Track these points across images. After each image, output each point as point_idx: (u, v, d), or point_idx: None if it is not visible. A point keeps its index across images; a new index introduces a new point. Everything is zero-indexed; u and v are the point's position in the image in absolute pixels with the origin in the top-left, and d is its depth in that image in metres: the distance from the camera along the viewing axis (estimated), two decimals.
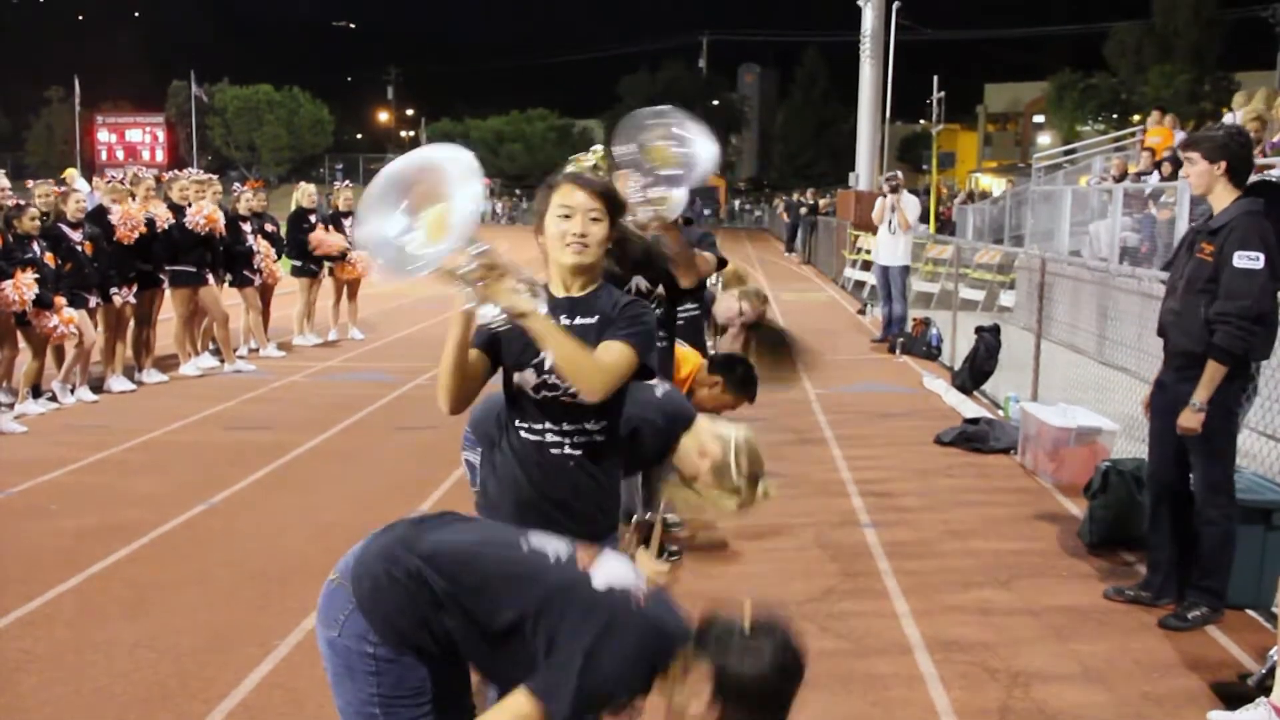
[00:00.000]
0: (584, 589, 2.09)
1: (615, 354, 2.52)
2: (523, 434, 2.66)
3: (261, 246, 10.84)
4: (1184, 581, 4.49)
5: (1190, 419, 4.25)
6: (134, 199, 9.35)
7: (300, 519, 5.80)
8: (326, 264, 12.03)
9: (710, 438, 3.06)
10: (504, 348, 2.59)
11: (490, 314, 2.33)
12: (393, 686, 2.14)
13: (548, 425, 2.64)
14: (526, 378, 2.59)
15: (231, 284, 10.66)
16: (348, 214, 12.08)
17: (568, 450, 2.65)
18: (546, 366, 2.55)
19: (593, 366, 2.47)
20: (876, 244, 13.07)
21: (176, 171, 10.75)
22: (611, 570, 2.16)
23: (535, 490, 2.63)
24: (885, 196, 12.67)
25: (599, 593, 2.08)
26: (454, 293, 2.32)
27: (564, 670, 2.00)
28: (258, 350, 11.19)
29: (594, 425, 2.66)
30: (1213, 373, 4.19)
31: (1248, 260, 4.13)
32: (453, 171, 2.27)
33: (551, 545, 2.23)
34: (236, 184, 12.26)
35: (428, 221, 2.26)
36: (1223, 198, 4.31)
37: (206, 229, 9.69)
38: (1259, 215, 4.22)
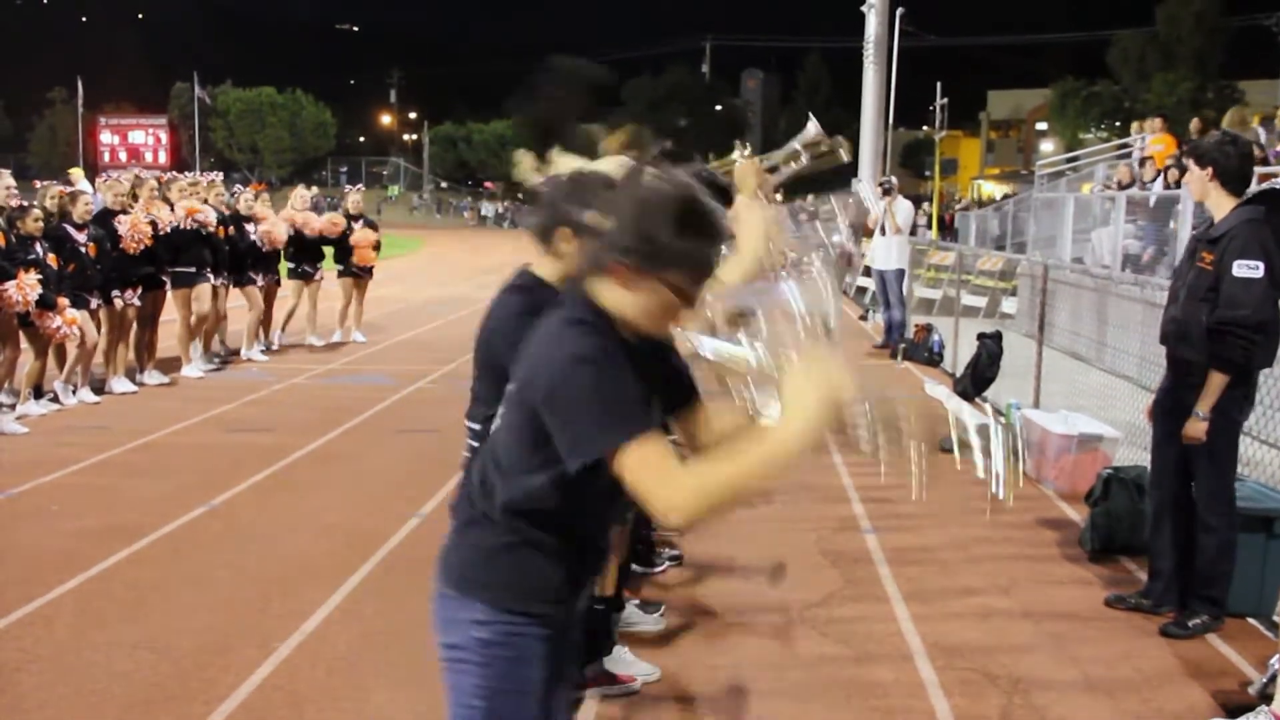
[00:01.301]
0: None
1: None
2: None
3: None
4: (1185, 589, 4.48)
5: (1194, 428, 4.25)
6: (136, 200, 9.37)
7: (301, 521, 5.81)
8: (336, 266, 12.06)
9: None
10: None
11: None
12: (497, 678, 2.07)
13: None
14: None
15: (235, 284, 10.70)
16: (358, 217, 12.11)
17: None
18: None
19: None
20: (871, 249, 13.14)
21: (175, 174, 10.79)
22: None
23: None
24: (879, 201, 12.80)
25: None
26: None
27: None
28: (254, 355, 11.18)
29: None
30: (1215, 382, 4.19)
31: (1247, 269, 4.13)
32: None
33: None
34: (239, 185, 12.31)
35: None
36: (1220, 204, 4.32)
37: (189, 222, 9.64)
38: (1259, 223, 4.23)
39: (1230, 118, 12.46)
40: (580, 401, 1.88)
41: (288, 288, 11.92)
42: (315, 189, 12.91)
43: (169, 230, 9.42)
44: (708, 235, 1.96)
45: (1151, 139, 14.14)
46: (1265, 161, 10.53)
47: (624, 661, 3.87)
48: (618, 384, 1.90)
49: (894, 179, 13.44)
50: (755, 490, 1.84)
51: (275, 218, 11.10)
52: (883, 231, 12.66)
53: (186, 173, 11.40)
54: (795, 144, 4.06)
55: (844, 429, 1.92)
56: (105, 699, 3.72)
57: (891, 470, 2.00)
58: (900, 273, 12.70)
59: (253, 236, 10.72)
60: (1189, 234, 8.31)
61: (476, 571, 2.09)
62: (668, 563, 5.07)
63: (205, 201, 10.17)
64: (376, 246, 12.29)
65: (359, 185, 14.39)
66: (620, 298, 1.98)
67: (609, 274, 1.97)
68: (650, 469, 1.84)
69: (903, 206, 12.87)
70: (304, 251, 11.67)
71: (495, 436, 2.11)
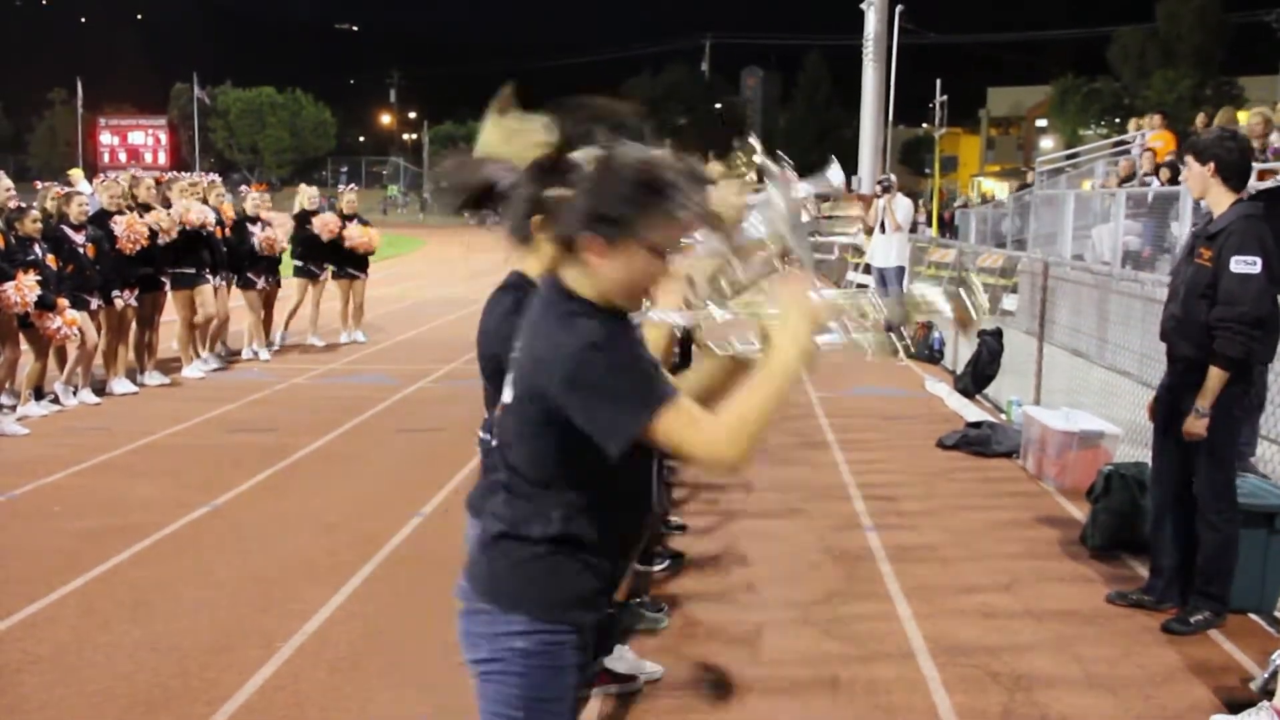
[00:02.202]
0: None
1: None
2: None
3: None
4: (1187, 586, 4.48)
5: (1194, 425, 4.25)
6: (135, 199, 9.37)
7: (303, 521, 5.81)
8: (330, 267, 12.06)
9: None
10: None
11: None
12: (536, 688, 2.08)
13: None
14: None
15: (236, 285, 10.70)
16: (352, 217, 12.11)
17: None
18: None
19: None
20: (871, 246, 13.17)
21: (175, 174, 10.78)
22: None
23: None
24: (879, 198, 12.83)
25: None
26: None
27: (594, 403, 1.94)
28: (258, 354, 11.19)
29: None
30: (1215, 378, 4.19)
31: (1245, 265, 4.13)
32: None
33: None
34: (243, 186, 12.29)
35: None
36: (1220, 200, 4.32)
37: (182, 225, 9.65)
38: (1257, 219, 4.23)
39: (1221, 117, 12.45)
40: (604, 387, 1.91)
41: (291, 287, 11.93)
42: (315, 189, 12.87)
43: (175, 235, 9.42)
44: (674, 186, 1.98)
45: (1151, 135, 14.14)
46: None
47: (626, 660, 3.87)
48: (632, 359, 1.95)
49: (893, 176, 13.48)
50: (777, 410, 1.94)
51: (276, 228, 11.03)
52: (882, 229, 12.69)
53: (185, 173, 11.35)
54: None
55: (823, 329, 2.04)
56: (107, 699, 3.73)
57: (871, 350, 2.12)
58: (900, 270, 12.72)
59: (254, 240, 10.70)
60: (1188, 231, 8.32)
61: (513, 585, 2.09)
62: (668, 562, 5.07)
63: (205, 201, 10.17)
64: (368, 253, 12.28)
65: (353, 185, 14.35)
66: (598, 273, 1.99)
67: (583, 249, 1.99)
68: (687, 426, 1.90)
69: (902, 204, 12.90)
70: (311, 251, 11.67)
71: (512, 454, 2.11)
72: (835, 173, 3.61)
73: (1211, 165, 4.28)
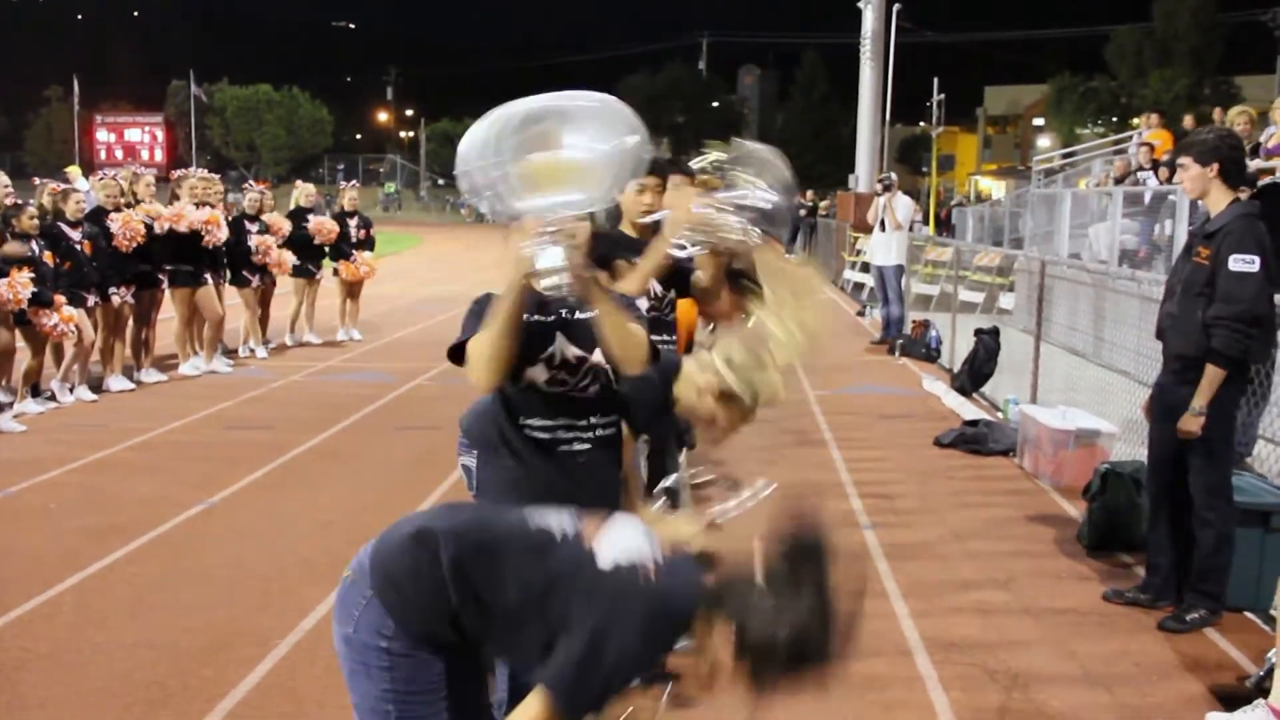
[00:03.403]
0: (589, 569, 2.06)
1: (642, 331, 2.55)
2: (528, 432, 2.66)
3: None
4: (1183, 584, 4.49)
5: (1189, 423, 4.26)
6: (135, 197, 9.36)
7: (300, 519, 5.81)
8: (331, 264, 12.06)
9: (699, 373, 2.80)
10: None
11: (554, 278, 2.25)
12: (407, 682, 2.12)
13: (559, 421, 2.64)
14: (537, 373, 2.60)
15: (230, 283, 10.68)
16: (353, 214, 12.11)
17: (577, 446, 2.66)
18: (557, 361, 2.56)
19: (640, 338, 2.49)
20: (871, 244, 13.21)
21: (184, 170, 10.75)
22: (618, 544, 2.11)
23: (541, 488, 2.60)
24: (879, 196, 12.87)
25: (604, 573, 2.05)
26: (523, 252, 2.27)
27: (570, 658, 1.98)
28: (255, 352, 11.18)
29: (601, 419, 2.67)
30: (1211, 377, 4.20)
31: (1242, 263, 4.14)
32: (581, 118, 2.19)
33: (556, 521, 2.20)
34: (249, 182, 12.27)
35: (532, 168, 2.17)
36: (1219, 200, 4.33)
37: (196, 227, 9.65)
38: (1254, 218, 4.24)
39: (1238, 117, 12.44)
40: None
41: (288, 285, 11.92)
42: (311, 186, 12.86)
43: (166, 229, 9.41)
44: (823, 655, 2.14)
45: (1148, 134, 14.16)
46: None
47: None
48: None
49: (893, 175, 13.50)
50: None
51: (274, 236, 10.97)
52: (882, 227, 12.72)
53: (197, 170, 11.25)
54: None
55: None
56: (105, 697, 3.72)
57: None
58: (899, 268, 12.74)
59: (250, 239, 10.66)
60: (1185, 230, 8.33)
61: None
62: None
63: (204, 205, 10.15)
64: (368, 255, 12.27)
65: (354, 182, 14.33)
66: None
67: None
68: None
69: (902, 202, 12.92)
70: (307, 251, 11.65)
71: None
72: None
73: (1216, 166, 4.28)
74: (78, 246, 8.44)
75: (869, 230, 14.37)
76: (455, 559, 2.10)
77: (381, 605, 2.13)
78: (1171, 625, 4.37)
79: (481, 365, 2.44)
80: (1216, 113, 13.57)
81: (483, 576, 2.08)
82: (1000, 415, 8.34)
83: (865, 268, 17.04)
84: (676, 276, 3.97)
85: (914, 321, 12.28)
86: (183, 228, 9.59)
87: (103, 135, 62.45)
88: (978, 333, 9.41)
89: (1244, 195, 4.41)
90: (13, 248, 7.63)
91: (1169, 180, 11.35)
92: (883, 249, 12.75)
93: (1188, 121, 13.56)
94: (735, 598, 2.02)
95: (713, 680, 2.04)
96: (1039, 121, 57.91)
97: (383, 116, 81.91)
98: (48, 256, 8.06)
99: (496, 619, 2.09)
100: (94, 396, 8.84)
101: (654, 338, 2.75)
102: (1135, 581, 4.80)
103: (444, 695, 2.14)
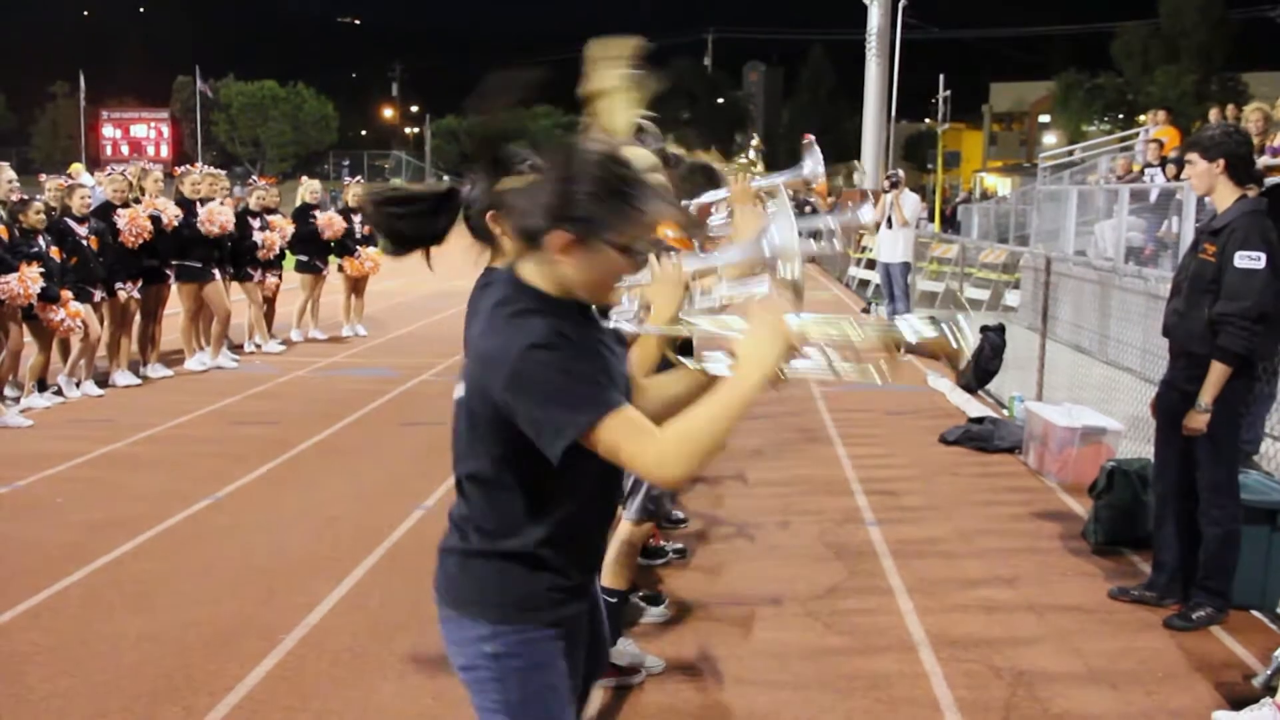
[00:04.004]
0: None
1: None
2: None
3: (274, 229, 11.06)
4: (1189, 582, 4.49)
5: (1196, 419, 4.25)
6: (143, 192, 9.38)
7: (306, 513, 5.82)
8: (335, 260, 12.08)
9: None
10: None
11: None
12: (515, 690, 2.04)
13: None
14: None
15: (234, 278, 10.69)
16: (357, 210, 12.11)
17: None
18: None
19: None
20: (878, 241, 13.19)
21: (189, 166, 10.76)
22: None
23: None
24: (886, 194, 12.83)
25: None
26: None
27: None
28: (261, 346, 11.20)
29: None
30: (1217, 373, 4.19)
31: (1249, 260, 4.13)
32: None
33: None
34: (254, 178, 12.26)
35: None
36: (1225, 196, 4.32)
37: (218, 233, 9.73)
38: (1261, 215, 4.23)
39: (1254, 114, 12.39)
40: (546, 389, 1.85)
41: (295, 281, 11.93)
42: (317, 182, 12.87)
43: (175, 225, 9.42)
44: (638, 187, 1.94)
45: (1155, 131, 14.13)
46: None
47: (628, 653, 3.88)
48: (579, 363, 1.88)
49: (900, 172, 13.48)
50: (730, 431, 1.87)
51: (276, 232, 10.96)
52: (889, 225, 12.70)
53: (200, 165, 11.26)
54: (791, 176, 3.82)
55: (798, 354, 1.98)
56: (111, 690, 3.74)
57: (851, 377, 2.05)
58: (905, 266, 12.73)
59: (255, 234, 10.68)
60: (1192, 226, 8.31)
61: (467, 590, 2.07)
62: (671, 555, 5.08)
63: (210, 201, 10.17)
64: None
65: (359, 178, 14.32)
66: (562, 269, 1.95)
67: (549, 245, 1.93)
68: (630, 436, 1.85)
69: (910, 199, 12.89)
70: (313, 247, 11.66)
71: (463, 451, 2.07)
72: (814, 161, 3.57)
73: (1222, 162, 4.27)
74: (84, 242, 8.46)
75: (876, 227, 14.35)
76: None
77: (463, 585, 2.08)
78: (1178, 624, 4.37)
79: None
80: (1219, 110, 13.50)
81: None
82: (1006, 413, 8.32)
83: (871, 264, 17.01)
84: None
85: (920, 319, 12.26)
86: (216, 229, 9.63)
87: (109, 131, 62.46)
88: (983, 330, 9.39)
89: (1252, 193, 4.39)
90: None
91: (1176, 177, 11.33)
92: (890, 246, 12.75)
93: (1213, 115, 13.46)
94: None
95: None
96: (1045, 118, 57.79)
97: (388, 113, 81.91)
98: (54, 252, 8.08)
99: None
100: (100, 392, 8.86)
101: None
102: (1141, 579, 4.79)
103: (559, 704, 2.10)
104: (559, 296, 1.97)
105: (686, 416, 1.87)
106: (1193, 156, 4.38)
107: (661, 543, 5.10)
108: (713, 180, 3.80)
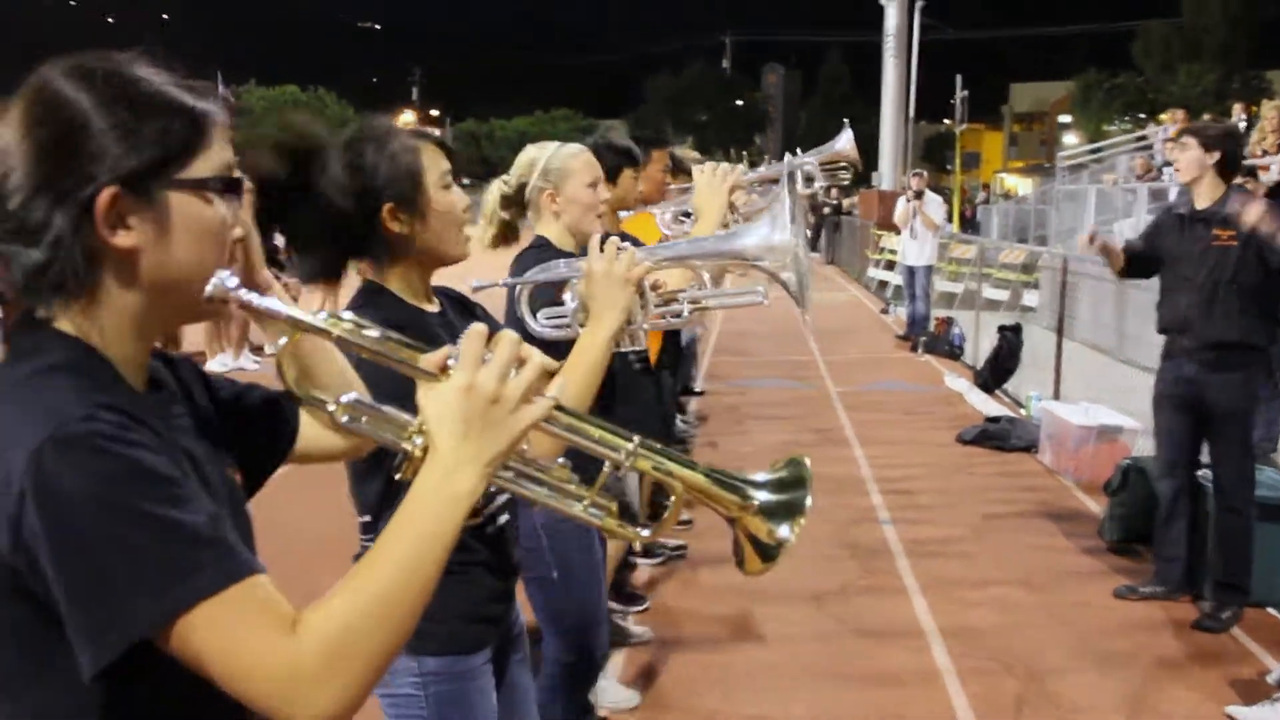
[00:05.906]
0: None
1: None
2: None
3: None
4: (1199, 576, 4.48)
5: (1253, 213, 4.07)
6: None
7: (322, 509, 5.85)
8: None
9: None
10: None
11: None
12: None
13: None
14: None
15: None
16: None
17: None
18: None
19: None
20: (902, 246, 13.09)
21: None
22: None
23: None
24: (909, 201, 12.52)
25: None
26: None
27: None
28: (262, 348, 11.28)
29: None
30: None
31: None
32: None
33: None
34: None
35: None
36: (1212, 188, 4.31)
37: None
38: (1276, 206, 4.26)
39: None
40: (98, 539, 0.94)
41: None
42: None
43: None
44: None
45: (1174, 130, 14.06)
46: None
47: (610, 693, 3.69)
48: (161, 480, 0.99)
49: (924, 173, 13.31)
50: (410, 611, 1.07)
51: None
52: (912, 234, 12.49)
53: None
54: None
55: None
56: None
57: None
58: (929, 268, 12.66)
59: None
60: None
61: None
62: (668, 553, 5.08)
63: None
64: None
65: None
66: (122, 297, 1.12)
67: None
68: (248, 631, 0.99)
69: (934, 201, 12.71)
70: None
71: None
72: (846, 138, 3.62)
73: (1217, 154, 4.28)
74: None
75: (893, 228, 14.26)
76: None
77: None
78: (1208, 625, 4.31)
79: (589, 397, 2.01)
80: (1242, 107, 13.43)
81: None
82: (1023, 412, 8.31)
83: (890, 265, 16.98)
84: None
85: (937, 319, 12.23)
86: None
87: None
88: (1001, 329, 9.38)
89: (1251, 186, 4.41)
90: None
91: None
92: (915, 249, 12.58)
93: (1237, 111, 13.39)
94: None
95: None
96: (1065, 118, 57.48)
97: (408, 116, 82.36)
98: None
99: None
100: None
101: None
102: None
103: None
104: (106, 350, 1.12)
105: (349, 584, 1.10)
106: (1190, 141, 4.36)
107: (660, 545, 5.08)
108: (633, 161, 3.60)
